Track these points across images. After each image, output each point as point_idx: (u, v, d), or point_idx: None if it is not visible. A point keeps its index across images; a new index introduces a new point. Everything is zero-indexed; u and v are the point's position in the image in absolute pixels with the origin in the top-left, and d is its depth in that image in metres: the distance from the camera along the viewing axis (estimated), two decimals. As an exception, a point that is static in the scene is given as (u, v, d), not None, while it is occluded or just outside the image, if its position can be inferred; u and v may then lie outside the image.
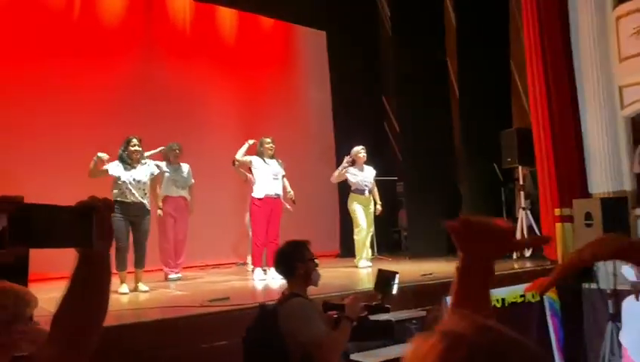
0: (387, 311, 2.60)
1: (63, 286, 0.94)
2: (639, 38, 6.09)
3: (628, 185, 6.25)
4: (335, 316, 2.58)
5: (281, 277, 2.92)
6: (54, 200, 0.86)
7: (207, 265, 7.82)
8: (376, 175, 7.29)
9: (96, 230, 0.87)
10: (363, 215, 6.82)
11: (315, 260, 2.83)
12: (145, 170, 5.43)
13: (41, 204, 0.83)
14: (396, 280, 2.68)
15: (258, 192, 6.12)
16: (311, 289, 2.83)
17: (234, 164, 6.53)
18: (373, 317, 2.78)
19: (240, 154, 6.16)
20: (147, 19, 8.05)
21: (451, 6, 8.31)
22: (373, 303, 2.73)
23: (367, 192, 6.92)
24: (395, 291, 2.66)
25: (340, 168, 6.95)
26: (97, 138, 6.19)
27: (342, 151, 8.38)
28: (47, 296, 1.65)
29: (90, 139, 6.23)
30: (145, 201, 5.33)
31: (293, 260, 2.76)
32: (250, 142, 6.20)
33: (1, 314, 1.63)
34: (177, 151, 6.35)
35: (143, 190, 5.33)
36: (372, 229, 7.01)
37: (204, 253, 7.54)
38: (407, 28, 8.31)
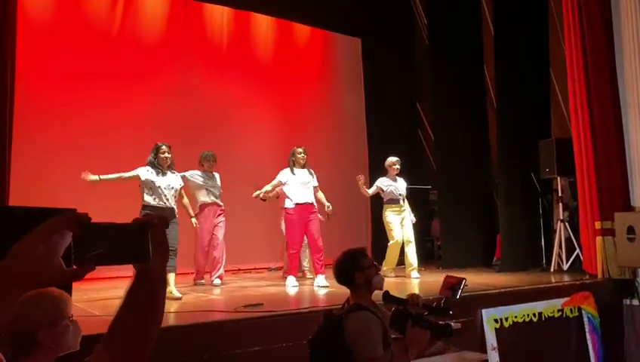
0: (448, 314, 2.55)
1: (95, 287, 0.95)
2: (687, 45, 5.88)
3: (674, 199, 6.02)
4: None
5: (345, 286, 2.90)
6: (104, 214, 0.89)
7: (240, 270, 7.90)
8: (410, 183, 7.24)
9: (153, 246, 0.90)
10: (399, 226, 6.73)
11: (376, 265, 2.83)
12: (176, 178, 5.54)
13: (102, 223, 0.86)
14: (462, 286, 2.63)
15: (289, 202, 6.17)
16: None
17: (262, 198, 6.52)
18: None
19: (265, 190, 6.32)
20: (185, 30, 8.20)
21: (489, 14, 8.20)
22: (434, 304, 2.70)
23: (401, 200, 6.85)
24: (458, 296, 2.61)
25: (361, 188, 6.81)
26: (140, 150, 6.26)
27: (375, 159, 8.36)
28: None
29: (133, 153, 6.26)
30: (175, 207, 5.44)
31: (351, 270, 2.77)
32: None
33: (44, 317, 1.69)
34: (212, 159, 6.43)
35: (174, 196, 5.43)
36: (413, 240, 6.77)
37: (238, 257, 7.61)
38: (443, 36, 8.24)
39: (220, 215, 6.44)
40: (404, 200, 6.91)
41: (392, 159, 6.92)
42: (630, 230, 5.69)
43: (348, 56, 9.69)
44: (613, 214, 5.97)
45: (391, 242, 6.76)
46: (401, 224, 6.76)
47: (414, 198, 7.56)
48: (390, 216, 6.77)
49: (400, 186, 6.92)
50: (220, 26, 8.60)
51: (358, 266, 2.78)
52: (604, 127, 6.26)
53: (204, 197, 6.37)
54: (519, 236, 7.05)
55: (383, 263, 6.73)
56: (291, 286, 5.92)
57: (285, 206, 6.26)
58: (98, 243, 0.84)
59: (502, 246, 7.18)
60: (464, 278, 2.69)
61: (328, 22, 9.12)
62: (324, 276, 5.85)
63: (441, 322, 2.47)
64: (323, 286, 5.76)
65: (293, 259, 6.19)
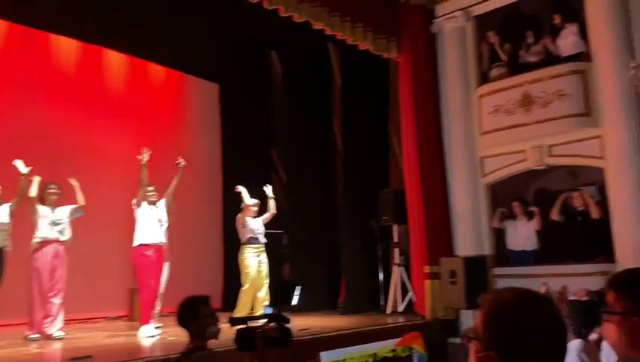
0: (286, 321, 2.58)
1: None
2: (497, 115, 6.93)
3: (487, 247, 6.93)
4: None
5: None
6: None
7: (74, 320, 7.28)
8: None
9: None
10: (256, 268, 6.51)
11: (215, 314, 2.85)
12: (5, 209, 5.06)
13: None
14: (297, 292, 2.69)
15: (143, 241, 5.82)
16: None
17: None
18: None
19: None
20: (27, 58, 7.63)
21: (337, 67, 8.82)
22: (271, 312, 2.72)
23: (261, 240, 6.68)
24: (294, 302, 2.66)
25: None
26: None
27: (230, 204, 8.39)
28: None
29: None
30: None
31: (188, 317, 2.79)
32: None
33: None
34: (54, 192, 5.76)
35: (7, 230, 4.95)
36: (267, 281, 6.61)
37: (76, 306, 7.02)
38: (297, 85, 8.72)
39: (62, 255, 5.71)
40: (263, 241, 6.72)
41: (253, 200, 6.79)
42: (453, 274, 6.41)
43: (206, 100, 9.74)
44: (439, 259, 6.70)
45: (245, 286, 6.45)
46: (258, 266, 6.54)
47: (268, 242, 7.68)
48: (249, 257, 6.51)
49: (260, 225, 6.77)
50: (67, 58, 8.14)
51: (195, 314, 2.81)
52: (432, 183, 7.07)
53: (45, 232, 5.61)
54: (360, 279, 7.53)
55: (236, 310, 6.43)
56: (148, 336, 5.55)
57: (138, 244, 5.84)
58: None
59: (345, 289, 7.59)
60: (297, 283, 2.78)
61: (186, 65, 9.11)
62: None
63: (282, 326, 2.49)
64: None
65: (149, 306, 5.80)
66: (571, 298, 5.62)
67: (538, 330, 1.18)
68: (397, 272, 7.28)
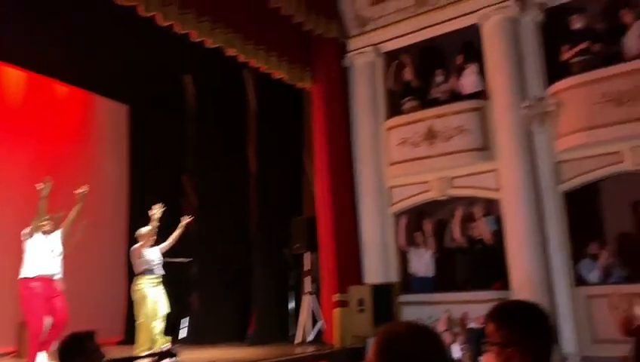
0: (174, 356, 2.48)
1: None
2: (404, 147, 7.21)
3: (394, 274, 7.10)
4: None
5: None
6: None
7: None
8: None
9: None
10: (153, 300, 6.14)
11: (101, 351, 2.68)
12: None
13: None
14: (184, 324, 2.62)
15: (30, 271, 5.44)
16: None
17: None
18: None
19: None
20: None
21: (253, 92, 8.79)
22: (162, 347, 2.62)
23: (157, 271, 6.33)
24: (184, 334, 2.59)
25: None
26: None
27: (135, 229, 8.02)
28: None
29: None
30: None
31: (72, 354, 2.62)
32: None
33: None
34: None
35: None
36: (166, 313, 6.24)
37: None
38: (211, 109, 8.59)
39: None
40: (161, 271, 6.37)
41: (144, 229, 6.41)
42: (361, 302, 6.49)
43: (114, 120, 9.35)
44: (348, 287, 6.76)
45: (140, 320, 6.09)
46: (155, 298, 6.19)
47: (174, 271, 7.40)
48: (145, 288, 6.16)
49: (157, 254, 6.44)
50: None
51: (81, 350, 2.64)
52: (343, 211, 7.18)
53: None
54: (271, 309, 7.44)
55: (136, 345, 6.01)
56: None
57: (23, 276, 5.48)
58: None
59: (255, 319, 7.45)
60: (187, 315, 2.74)
61: (94, 84, 8.71)
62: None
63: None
64: None
65: (37, 343, 5.38)
66: (470, 325, 5.87)
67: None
68: (307, 301, 7.26)
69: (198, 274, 8.44)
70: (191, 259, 8.70)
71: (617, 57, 6.12)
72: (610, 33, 6.36)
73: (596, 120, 5.92)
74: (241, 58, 6.77)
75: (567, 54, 6.38)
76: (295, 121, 8.54)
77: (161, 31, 6.16)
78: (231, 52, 6.58)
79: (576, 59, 6.30)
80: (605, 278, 6.07)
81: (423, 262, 6.98)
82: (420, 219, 7.30)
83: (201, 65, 8.34)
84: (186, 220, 6.64)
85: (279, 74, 7.17)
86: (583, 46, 6.26)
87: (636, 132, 5.78)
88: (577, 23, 6.41)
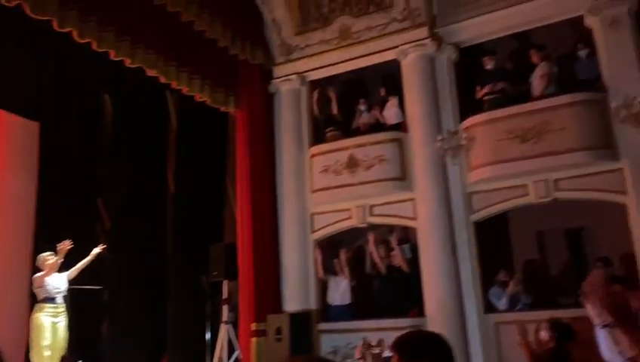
0: None
1: None
2: (326, 175, 7.28)
3: (313, 302, 7.08)
4: None
5: None
6: None
7: None
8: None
9: None
10: (50, 332, 5.84)
11: None
12: None
13: None
14: None
15: None
16: None
17: None
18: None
19: None
20: None
21: (174, 113, 8.60)
22: None
23: (57, 300, 6.00)
24: None
25: None
26: None
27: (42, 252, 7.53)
28: None
29: None
30: None
31: None
32: None
33: None
34: None
35: None
36: (65, 346, 5.99)
37: None
38: (129, 129, 8.29)
39: None
40: (62, 300, 6.07)
41: (43, 255, 6.07)
42: (279, 331, 6.41)
43: (23, 138, 8.78)
44: (266, 316, 6.66)
45: (32, 351, 5.76)
46: (53, 329, 5.87)
47: (85, 298, 6.96)
48: (42, 317, 5.84)
49: (61, 282, 6.09)
50: None
51: None
52: (264, 238, 7.11)
53: None
54: (186, 338, 7.16)
55: None
56: None
57: None
58: None
59: (168, 349, 7.15)
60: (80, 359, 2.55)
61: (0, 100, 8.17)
62: None
63: None
64: None
65: None
66: (385, 354, 5.91)
67: None
68: (224, 330, 7.05)
69: (109, 302, 8.00)
70: (101, 287, 8.26)
71: (527, 96, 6.56)
72: (520, 73, 6.82)
73: (502, 155, 6.28)
74: (163, 79, 6.63)
75: (480, 92, 6.77)
76: (219, 144, 8.42)
77: (79, 48, 5.93)
78: (151, 73, 6.42)
79: (487, 97, 6.70)
80: (513, 305, 6.36)
81: (339, 290, 6.99)
82: (339, 248, 7.35)
83: (120, 84, 8.09)
84: (97, 250, 6.33)
85: (202, 97, 7.08)
86: (493, 86, 6.67)
87: (540, 167, 6.18)
88: (489, 64, 6.83)
